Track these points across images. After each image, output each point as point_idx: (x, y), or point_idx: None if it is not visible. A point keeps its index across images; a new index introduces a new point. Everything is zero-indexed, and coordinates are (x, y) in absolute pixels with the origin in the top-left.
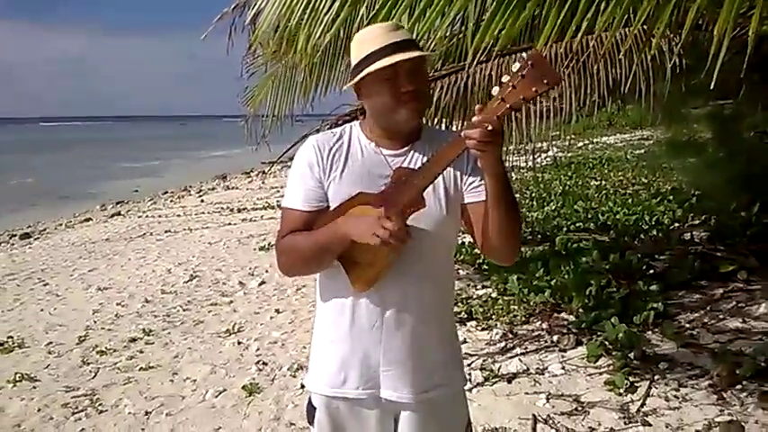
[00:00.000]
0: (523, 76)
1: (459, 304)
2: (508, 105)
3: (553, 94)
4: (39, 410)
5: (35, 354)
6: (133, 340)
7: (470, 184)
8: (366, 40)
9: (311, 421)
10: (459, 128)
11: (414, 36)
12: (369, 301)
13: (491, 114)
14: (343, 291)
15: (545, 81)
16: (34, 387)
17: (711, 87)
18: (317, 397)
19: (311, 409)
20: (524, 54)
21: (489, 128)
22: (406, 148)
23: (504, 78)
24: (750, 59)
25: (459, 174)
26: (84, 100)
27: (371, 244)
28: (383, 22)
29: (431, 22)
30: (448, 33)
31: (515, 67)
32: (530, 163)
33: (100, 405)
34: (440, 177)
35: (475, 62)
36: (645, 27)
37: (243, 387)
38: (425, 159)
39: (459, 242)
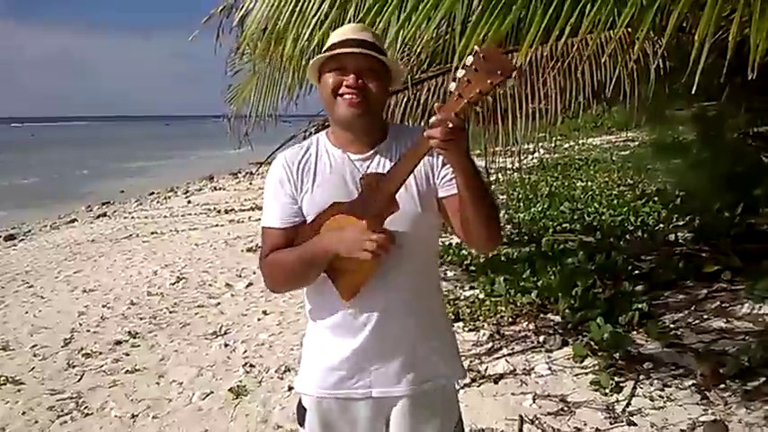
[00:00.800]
0: (477, 70)
1: (447, 305)
2: (465, 100)
3: (510, 83)
4: (23, 414)
5: (20, 356)
6: (119, 343)
7: (443, 177)
8: (333, 36)
9: (302, 423)
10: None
11: (401, 38)
12: (357, 303)
13: (450, 111)
14: (331, 294)
15: (499, 72)
16: (19, 390)
17: (693, 91)
18: (308, 398)
19: (302, 411)
20: (476, 47)
21: (449, 125)
22: (372, 151)
23: (460, 73)
24: (731, 62)
25: (430, 169)
26: (68, 100)
27: (359, 258)
28: (357, 23)
29: (418, 24)
30: (434, 35)
31: (469, 60)
32: (516, 164)
33: (85, 408)
34: (411, 176)
35: (461, 64)
36: (629, 30)
37: (230, 389)
38: (393, 159)
39: (447, 243)
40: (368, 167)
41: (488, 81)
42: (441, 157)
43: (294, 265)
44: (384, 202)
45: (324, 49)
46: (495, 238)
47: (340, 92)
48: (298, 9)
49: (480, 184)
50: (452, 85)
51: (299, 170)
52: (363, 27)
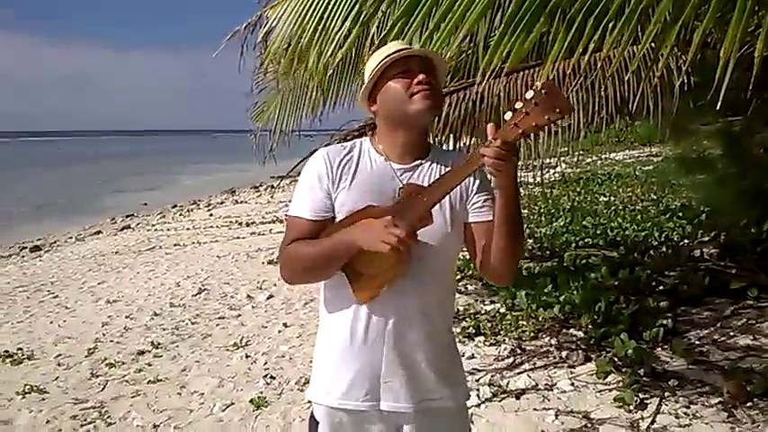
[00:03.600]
0: (537, 104)
1: (467, 319)
2: (521, 131)
3: (566, 122)
4: (47, 422)
5: (44, 366)
6: (141, 353)
7: (475, 203)
8: (380, 53)
9: None
10: (468, 144)
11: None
12: (371, 313)
13: (505, 137)
14: (347, 302)
15: (557, 110)
16: (43, 399)
17: (718, 106)
18: (320, 409)
19: (314, 424)
20: (538, 82)
21: (504, 149)
22: (414, 163)
23: (518, 105)
24: (758, 77)
25: (465, 192)
26: (90, 115)
27: (380, 251)
28: (394, 41)
29: (442, 41)
30: (456, 51)
31: (529, 94)
32: (538, 179)
33: (108, 417)
34: (447, 195)
35: (484, 81)
36: (653, 45)
37: (250, 401)
38: (433, 175)
39: (468, 257)
40: (408, 178)
41: (546, 117)
42: (477, 182)
43: (314, 256)
44: (420, 213)
45: (372, 71)
46: (511, 272)
47: (413, 90)
48: (321, 26)
49: (518, 215)
50: (508, 114)
51: (339, 167)
52: (402, 42)
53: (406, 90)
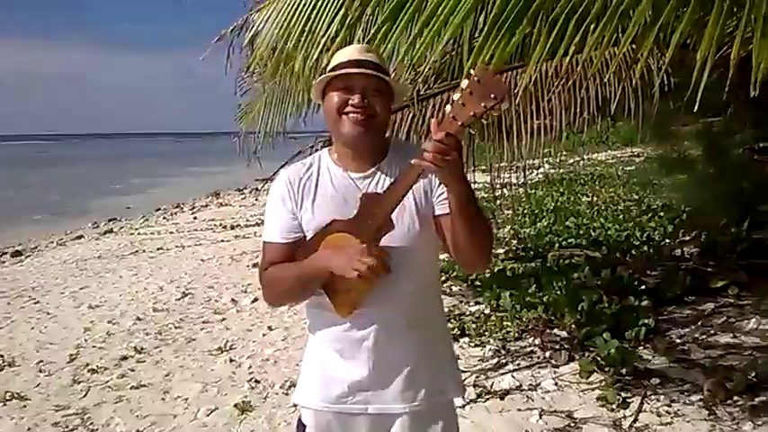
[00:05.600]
0: (471, 93)
1: (452, 321)
2: (460, 123)
3: (505, 105)
4: (29, 429)
5: (25, 372)
6: (124, 358)
7: (439, 195)
8: (338, 55)
9: None
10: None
11: (407, 58)
12: (356, 320)
13: (444, 132)
14: (330, 310)
15: (492, 96)
16: (24, 406)
17: (697, 107)
18: (307, 412)
19: (301, 427)
20: (472, 70)
21: (443, 143)
22: (372, 170)
23: (455, 96)
24: (735, 78)
25: (428, 186)
26: (73, 117)
27: (350, 277)
28: (361, 44)
29: (426, 44)
30: (441, 53)
31: (464, 83)
32: (521, 179)
33: (91, 424)
34: (409, 193)
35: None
36: (633, 47)
37: (235, 405)
38: (393, 178)
39: (453, 259)
40: (368, 185)
41: (482, 104)
42: None
43: (290, 281)
44: (379, 222)
45: (329, 68)
46: (483, 261)
47: (345, 110)
48: (307, 29)
49: (473, 207)
50: (448, 108)
51: (300, 187)
52: (368, 48)
53: (341, 108)
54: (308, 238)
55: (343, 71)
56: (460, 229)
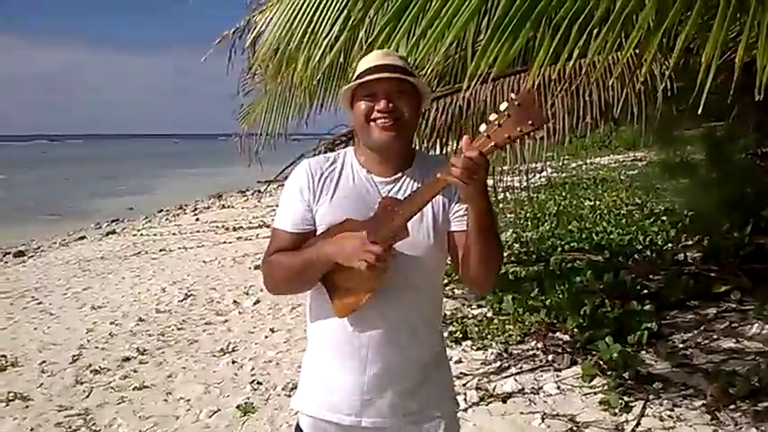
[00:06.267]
0: (509, 116)
1: (455, 323)
2: (493, 143)
3: (540, 134)
4: (32, 430)
5: (28, 373)
6: (127, 359)
7: (456, 212)
8: (362, 63)
9: None
10: (454, 149)
11: (411, 60)
12: (355, 326)
13: (477, 149)
14: (332, 315)
15: (530, 122)
16: (27, 406)
17: (701, 111)
18: (305, 418)
19: None
20: (512, 94)
21: (474, 162)
22: (396, 176)
23: (492, 117)
24: (739, 83)
25: (447, 201)
26: (75, 117)
27: (355, 267)
28: (383, 49)
29: (429, 47)
30: (443, 56)
31: (503, 106)
32: (524, 183)
33: (93, 425)
34: (428, 206)
35: (471, 86)
36: (636, 51)
37: (237, 407)
38: (416, 187)
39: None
40: (390, 191)
41: (518, 129)
42: (458, 192)
43: (292, 268)
44: (395, 227)
45: (353, 77)
46: (489, 283)
47: (372, 117)
48: (309, 31)
49: (492, 227)
50: (483, 127)
51: (321, 180)
52: (388, 52)
53: (368, 115)
54: (318, 233)
55: (365, 79)
56: (475, 247)
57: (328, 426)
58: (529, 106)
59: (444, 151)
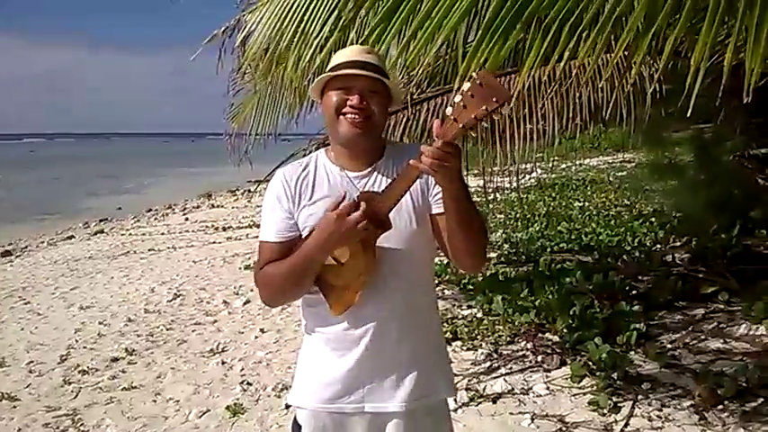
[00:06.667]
0: (473, 96)
1: (445, 324)
2: (461, 125)
3: (506, 110)
4: (19, 430)
5: (15, 373)
6: (115, 360)
7: (436, 194)
8: (338, 55)
9: None
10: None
11: (401, 61)
12: (351, 318)
13: (444, 135)
14: (326, 309)
15: (494, 99)
16: (14, 407)
17: (689, 113)
18: (303, 413)
19: (297, 428)
20: (473, 73)
21: (443, 150)
22: (369, 169)
23: (456, 98)
24: (727, 86)
25: (426, 185)
26: (63, 117)
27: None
28: (362, 45)
29: (419, 47)
30: (434, 57)
31: (465, 86)
32: (514, 184)
33: (81, 425)
34: (408, 193)
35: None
36: (626, 53)
37: (227, 407)
38: (390, 177)
39: (445, 262)
40: (365, 185)
41: (483, 107)
42: None
43: (285, 275)
44: (376, 221)
45: (328, 68)
46: (479, 262)
47: (343, 111)
48: (300, 31)
49: (469, 209)
50: (449, 110)
51: (296, 186)
52: (368, 49)
53: (339, 108)
54: (303, 237)
55: (343, 72)
56: (456, 226)
57: (327, 417)
58: (491, 83)
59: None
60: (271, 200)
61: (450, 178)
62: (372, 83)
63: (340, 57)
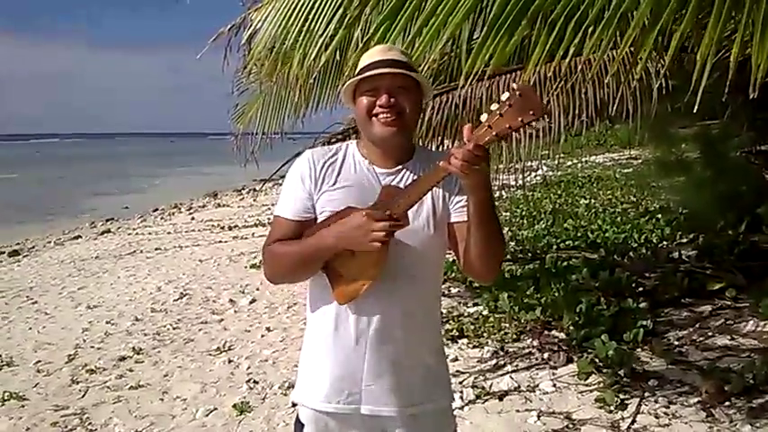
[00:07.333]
0: (511, 106)
1: (451, 322)
2: (494, 133)
3: (541, 124)
4: (27, 429)
5: (24, 372)
6: (123, 359)
7: (457, 203)
8: (363, 59)
9: None
10: (451, 147)
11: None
12: (355, 315)
13: (477, 139)
14: (330, 304)
15: (531, 112)
16: (23, 406)
17: (696, 109)
18: (305, 411)
19: (299, 426)
20: (514, 84)
21: (475, 153)
22: (397, 168)
23: (493, 107)
24: (733, 81)
25: (447, 193)
26: (69, 116)
27: (369, 250)
28: (385, 44)
29: (424, 45)
30: (438, 54)
31: (504, 96)
32: (519, 181)
33: (89, 424)
34: (428, 196)
35: (467, 84)
36: (632, 49)
37: (233, 406)
38: (416, 177)
39: (452, 259)
40: (391, 181)
41: (519, 119)
42: (459, 183)
43: (294, 256)
44: (396, 215)
45: (356, 72)
46: (493, 271)
47: (374, 112)
48: (305, 29)
49: (492, 219)
50: (484, 116)
51: (323, 168)
52: (390, 47)
53: (370, 110)
54: (319, 221)
55: (367, 74)
56: (476, 237)
57: (328, 417)
58: (529, 96)
59: (441, 149)
60: (294, 177)
61: (478, 183)
62: (399, 79)
63: (365, 59)
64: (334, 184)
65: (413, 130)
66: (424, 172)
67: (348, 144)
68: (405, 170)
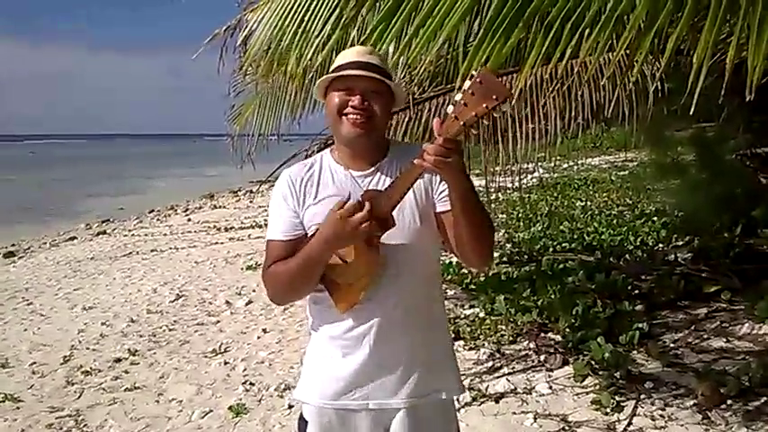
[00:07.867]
0: (473, 94)
1: (447, 324)
2: (462, 123)
3: (506, 107)
4: (22, 431)
5: (19, 374)
6: (118, 360)
7: (441, 192)
8: (341, 57)
9: None
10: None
11: (403, 60)
12: (357, 315)
13: (446, 132)
14: (332, 307)
15: (494, 97)
16: (17, 408)
17: (691, 112)
18: (309, 408)
19: (303, 423)
20: (473, 71)
21: (445, 146)
22: (373, 168)
23: (457, 97)
24: (730, 84)
25: (429, 184)
26: (69, 117)
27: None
28: (364, 46)
29: (421, 46)
30: (436, 56)
31: (466, 84)
32: (516, 184)
33: (85, 426)
34: (411, 191)
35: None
36: (627, 52)
37: (229, 408)
38: (394, 177)
39: (447, 262)
40: (369, 184)
41: (484, 105)
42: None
43: (292, 272)
44: (380, 219)
45: (332, 69)
46: (486, 257)
47: (345, 111)
48: (301, 30)
49: (475, 204)
50: (450, 108)
51: (302, 186)
52: (370, 50)
53: (341, 108)
54: (309, 235)
55: (344, 72)
56: (462, 223)
57: (333, 413)
58: (490, 81)
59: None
60: (277, 199)
61: (453, 173)
62: (374, 83)
63: (342, 58)
64: (315, 197)
65: (381, 134)
66: (400, 168)
67: (322, 155)
68: (380, 170)
